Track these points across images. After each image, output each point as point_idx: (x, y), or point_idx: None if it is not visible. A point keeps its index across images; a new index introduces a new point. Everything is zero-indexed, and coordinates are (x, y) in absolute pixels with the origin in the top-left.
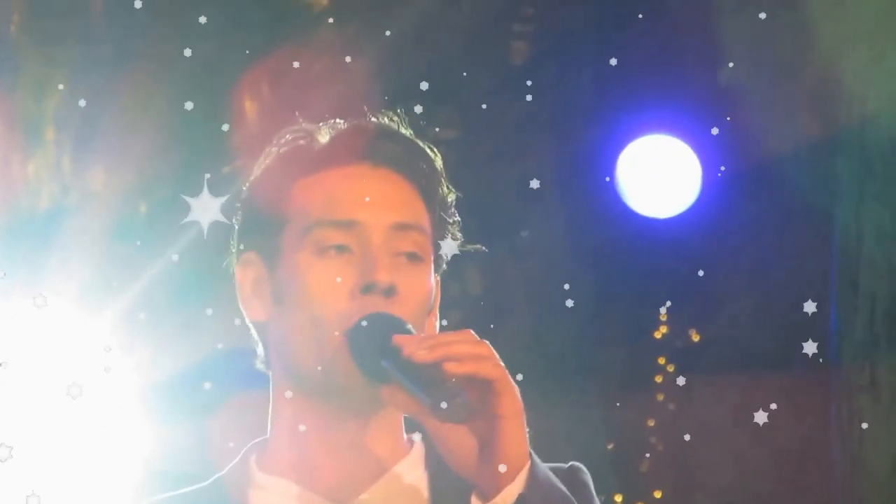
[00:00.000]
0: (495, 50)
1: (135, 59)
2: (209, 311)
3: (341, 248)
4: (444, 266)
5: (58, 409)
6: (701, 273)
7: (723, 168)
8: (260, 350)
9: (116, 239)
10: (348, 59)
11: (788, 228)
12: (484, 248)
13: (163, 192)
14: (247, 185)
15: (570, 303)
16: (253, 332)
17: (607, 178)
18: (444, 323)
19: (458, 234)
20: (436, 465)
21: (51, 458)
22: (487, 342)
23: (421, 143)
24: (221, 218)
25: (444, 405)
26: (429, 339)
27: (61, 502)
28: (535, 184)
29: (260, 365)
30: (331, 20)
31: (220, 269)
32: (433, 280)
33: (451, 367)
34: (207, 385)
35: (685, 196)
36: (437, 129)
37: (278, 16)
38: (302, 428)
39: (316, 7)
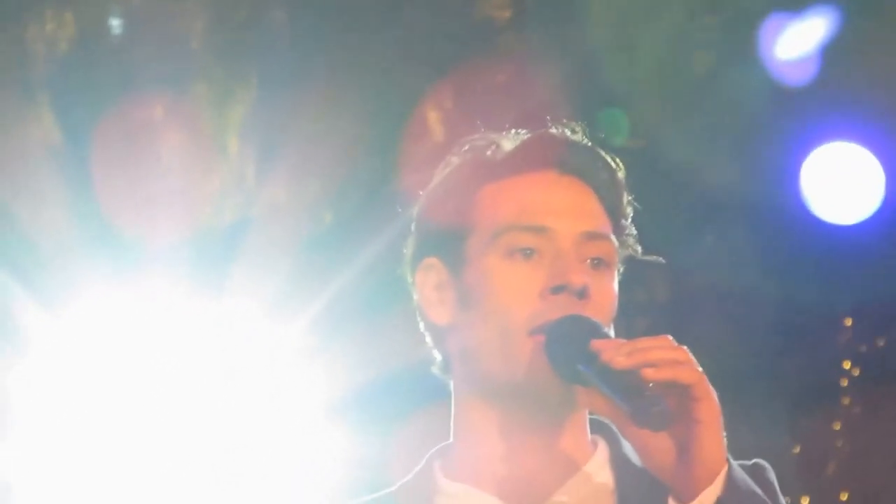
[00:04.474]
0: (677, 59)
1: (316, 70)
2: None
3: (529, 252)
4: (618, 276)
5: (248, 416)
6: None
7: None
8: (437, 355)
9: (303, 249)
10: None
11: None
12: (661, 258)
13: (348, 202)
14: (425, 192)
15: (756, 308)
16: (428, 337)
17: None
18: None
19: (637, 247)
20: (621, 465)
21: (240, 462)
22: (685, 347)
23: (605, 154)
24: None
25: (646, 414)
26: (627, 344)
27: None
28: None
29: (436, 370)
30: (513, 32)
31: (399, 273)
32: (616, 287)
33: (649, 374)
34: (395, 394)
35: (869, 202)
36: (620, 139)
37: (461, 29)
38: (488, 433)
39: (498, 21)
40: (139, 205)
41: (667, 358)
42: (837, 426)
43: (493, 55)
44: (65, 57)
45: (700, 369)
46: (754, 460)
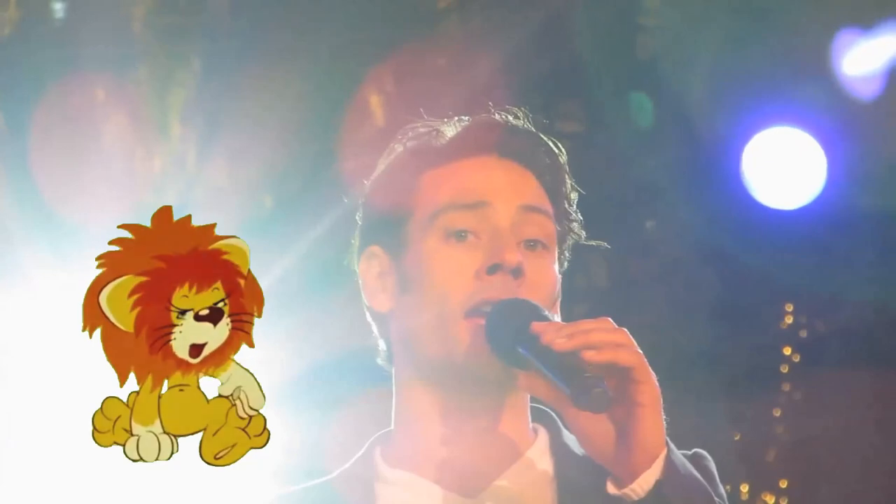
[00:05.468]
0: (621, 44)
1: (259, 54)
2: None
3: (465, 234)
4: (566, 263)
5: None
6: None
7: None
8: (382, 345)
9: (243, 233)
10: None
11: None
12: (606, 244)
13: (289, 186)
14: (369, 181)
15: (696, 294)
16: (374, 327)
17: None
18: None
19: (581, 232)
20: (562, 452)
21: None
22: (626, 330)
23: (546, 139)
24: None
25: (586, 396)
26: (568, 326)
27: (188, 495)
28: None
29: (381, 361)
30: (455, 16)
31: (345, 264)
32: (557, 270)
33: (589, 356)
34: (333, 380)
35: (811, 188)
36: (562, 125)
37: (403, 12)
38: (429, 419)
39: (441, 3)
40: (80, 188)
41: (607, 340)
42: (778, 413)
43: (436, 39)
44: (7, 40)
45: (640, 352)
46: (694, 450)
